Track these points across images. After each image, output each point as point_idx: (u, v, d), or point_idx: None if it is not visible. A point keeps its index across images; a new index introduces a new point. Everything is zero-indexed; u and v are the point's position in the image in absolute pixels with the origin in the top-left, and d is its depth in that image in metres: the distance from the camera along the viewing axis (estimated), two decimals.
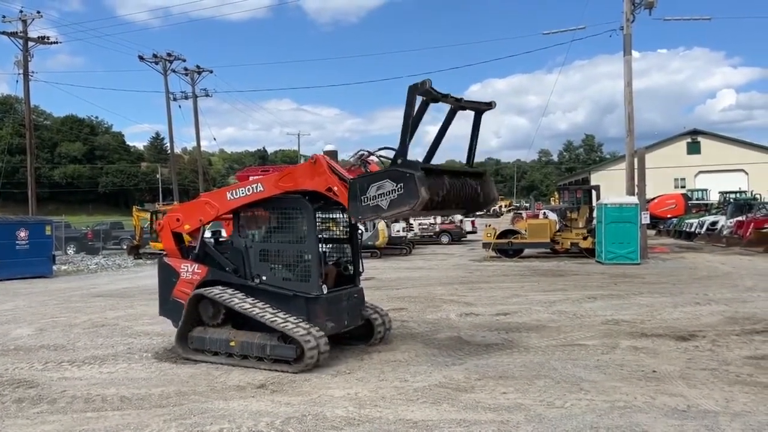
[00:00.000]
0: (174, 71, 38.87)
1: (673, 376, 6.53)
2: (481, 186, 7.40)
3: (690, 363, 7.09)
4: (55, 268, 21.19)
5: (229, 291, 7.69)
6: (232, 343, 7.43)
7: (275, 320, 7.15)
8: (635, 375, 6.61)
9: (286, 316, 7.27)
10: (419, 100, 6.43)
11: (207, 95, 41.13)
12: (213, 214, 8.06)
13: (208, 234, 9.00)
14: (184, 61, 39.03)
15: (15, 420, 5.62)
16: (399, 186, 6.24)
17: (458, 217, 37.07)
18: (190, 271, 8.09)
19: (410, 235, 29.16)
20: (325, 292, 7.31)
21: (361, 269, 8.19)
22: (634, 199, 20.17)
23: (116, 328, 10.16)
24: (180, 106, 53.14)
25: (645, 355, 7.48)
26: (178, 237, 8.41)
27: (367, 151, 7.49)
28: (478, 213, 8.86)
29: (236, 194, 7.78)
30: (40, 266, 20.07)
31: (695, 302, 11.45)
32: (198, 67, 40.06)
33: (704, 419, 5.22)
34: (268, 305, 7.46)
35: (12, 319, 11.42)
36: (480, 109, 7.35)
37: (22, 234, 19.78)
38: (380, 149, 7.25)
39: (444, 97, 6.73)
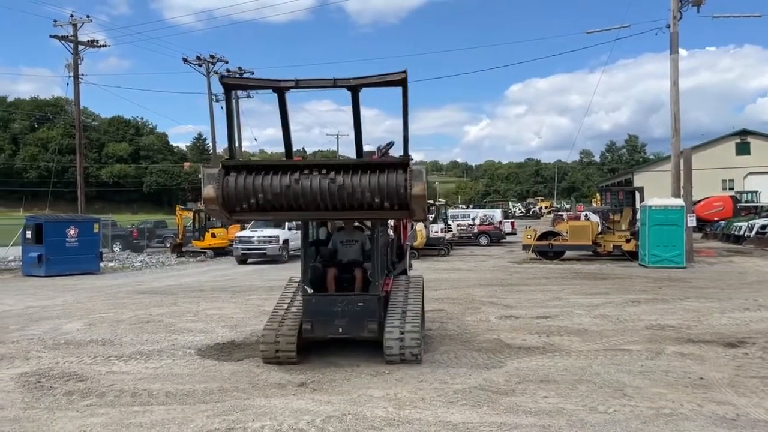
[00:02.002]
0: (216, 73, 39.49)
1: (722, 384, 6.35)
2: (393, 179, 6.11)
3: (739, 370, 6.88)
4: (102, 265, 21.79)
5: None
6: None
7: (273, 311, 7.66)
8: (681, 382, 6.45)
9: (294, 310, 7.64)
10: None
11: (248, 96, 41.70)
12: None
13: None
14: (227, 62, 39.65)
15: (66, 412, 5.80)
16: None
17: (497, 218, 36.81)
18: None
19: (449, 236, 29.03)
20: (309, 292, 7.37)
21: (376, 277, 7.41)
22: (680, 201, 19.67)
23: (161, 324, 10.40)
24: (222, 107, 53.88)
25: (692, 362, 7.29)
26: None
27: (378, 148, 7.69)
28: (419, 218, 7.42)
29: None
30: (88, 263, 20.69)
31: (744, 308, 11.10)
32: (240, 68, 40.57)
33: (754, 428, 5.07)
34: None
35: (62, 314, 11.80)
36: (389, 81, 6.08)
37: (72, 232, 20.41)
38: (387, 145, 7.57)
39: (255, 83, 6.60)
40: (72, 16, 31.18)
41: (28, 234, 20.39)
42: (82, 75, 31.39)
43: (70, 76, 31.04)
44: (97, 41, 32.11)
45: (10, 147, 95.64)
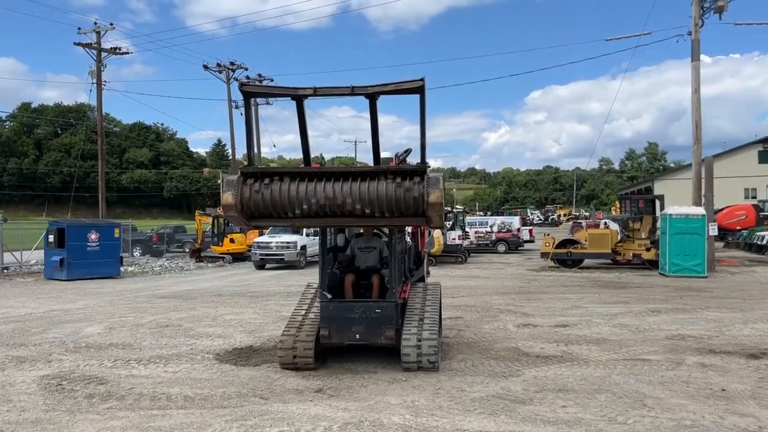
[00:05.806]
0: (236, 80, 39.88)
1: (744, 396, 6.26)
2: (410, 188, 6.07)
3: (762, 382, 6.77)
4: (122, 269, 22.05)
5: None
6: None
7: (291, 317, 7.84)
8: (702, 393, 6.37)
9: (312, 316, 7.73)
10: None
11: (268, 103, 42.12)
12: None
13: None
14: (246, 69, 40.04)
15: (86, 415, 5.87)
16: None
17: (515, 225, 36.61)
18: None
19: (466, 243, 28.92)
20: (327, 299, 7.42)
21: (393, 284, 7.41)
22: (701, 210, 19.43)
23: (179, 329, 10.49)
24: (242, 114, 54.31)
25: (713, 373, 7.19)
26: None
27: (396, 155, 7.76)
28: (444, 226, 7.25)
29: None
30: (108, 267, 20.92)
31: (767, 319, 10.93)
32: (260, 75, 40.98)
33: None
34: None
35: (83, 317, 11.94)
36: (407, 89, 5.96)
37: (93, 236, 20.67)
38: (404, 152, 7.70)
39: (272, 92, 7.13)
40: (96, 23, 31.68)
41: (51, 238, 20.68)
42: (105, 82, 31.85)
43: (93, 83, 31.46)
44: (120, 48, 32.56)
45: (34, 152, 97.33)
